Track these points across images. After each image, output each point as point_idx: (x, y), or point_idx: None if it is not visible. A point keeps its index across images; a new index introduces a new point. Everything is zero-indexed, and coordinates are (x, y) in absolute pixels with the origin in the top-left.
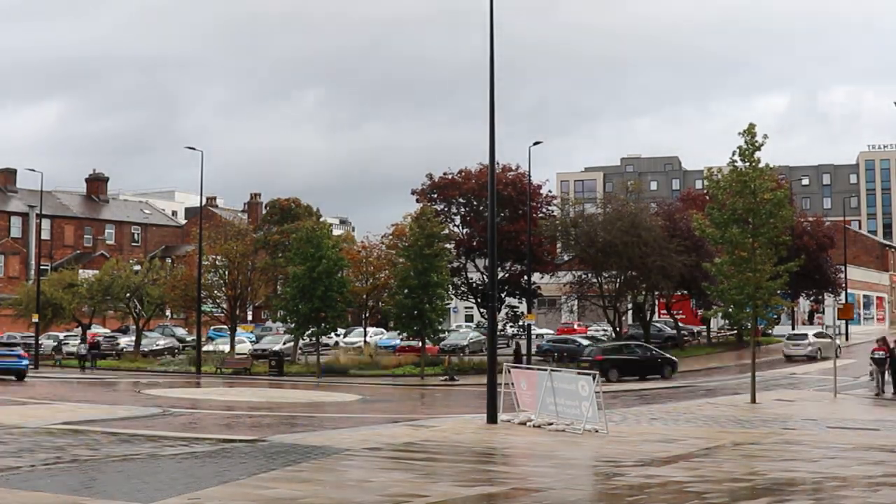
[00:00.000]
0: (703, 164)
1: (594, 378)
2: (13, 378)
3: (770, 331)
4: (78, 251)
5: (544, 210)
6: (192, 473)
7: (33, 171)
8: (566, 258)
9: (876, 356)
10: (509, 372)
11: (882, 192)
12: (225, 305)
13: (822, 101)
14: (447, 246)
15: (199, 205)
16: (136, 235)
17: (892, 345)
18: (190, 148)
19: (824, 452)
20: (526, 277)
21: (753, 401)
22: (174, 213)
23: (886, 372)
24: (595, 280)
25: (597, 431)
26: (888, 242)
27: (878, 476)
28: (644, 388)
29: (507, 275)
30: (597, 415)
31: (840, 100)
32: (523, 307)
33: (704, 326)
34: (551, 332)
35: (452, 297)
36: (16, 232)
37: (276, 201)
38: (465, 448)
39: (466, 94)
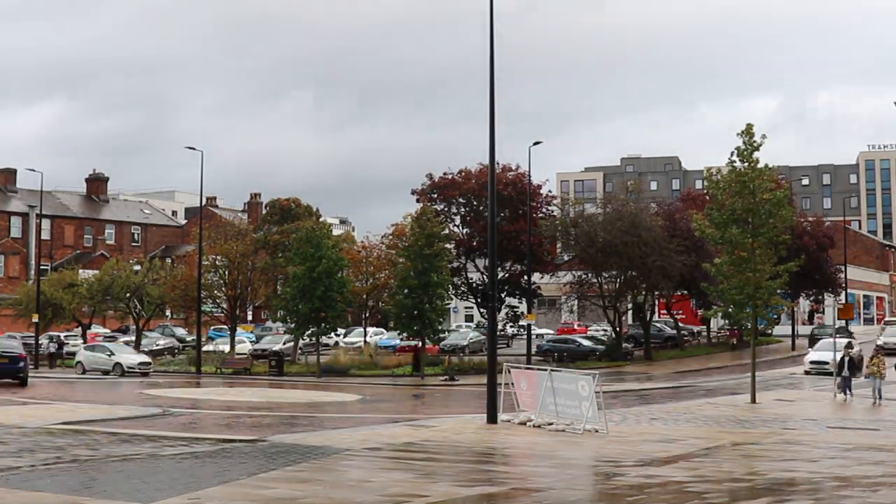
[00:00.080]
0: (703, 164)
1: (594, 378)
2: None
3: (770, 331)
4: (78, 251)
5: (544, 210)
6: (192, 473)
7: (33, 171)
8: (566, 258)
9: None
10: (509, 372)
11: (882, 192)
12: (225, 305)
13: (811, 103)
14: (447, 246)
15: (199, 205)
16: (136, 235)
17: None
18: (190, 148)
19: (824, 452)
20: (526, 277)
21: (753, 401)
22: (174, 213)
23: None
24: (595, 280)
25: (597, 431)
26: (888, 242)
27: (877, 476)
28: (644, 388)
29: (507, 275)
30: (597, 415)
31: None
32: (523, 307)
33: (704, 326)
34: (551, 332)
35: (452, 297)
36: (16, 232)
37: (276, 201)
38: (465, 448)
39: (467, 94)
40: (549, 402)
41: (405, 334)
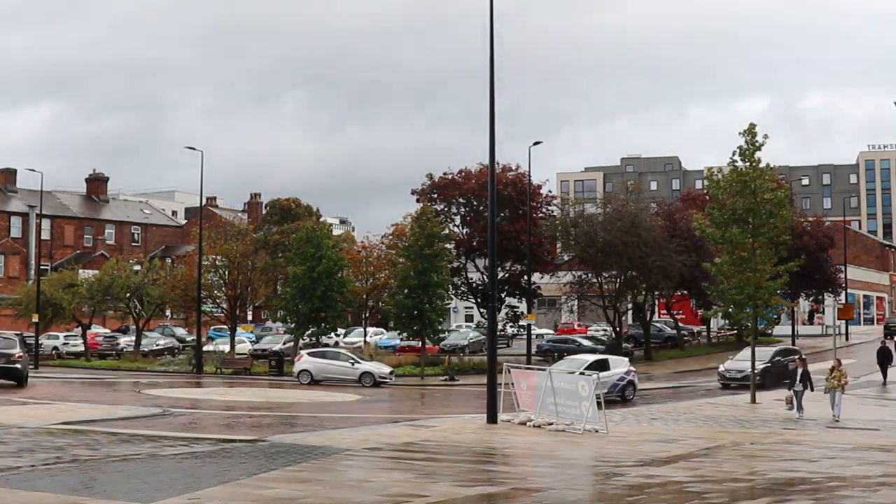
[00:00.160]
0: (702, 165)
1: (594, 378)
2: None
3: (770, 331)
4: (78, 251)
5: (544, 210)
6: (192, 473)
7: (33, 171)
8: (566, 258)
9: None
10: (509, 372)
11: (882, 192)
12: (225, 305)
13: (811, 103)
14: (447, 246)
15: (199, 205)
16: (136, 235)
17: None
18: (190, 148)
19: (824, 452)
20: (526, 277)
21: (753, 401)
22: (174, 213)
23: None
24: (595, 280)
25: (597, 431)
26: (888, 242)
27: (877, 476)
28: (644, 389)
29: (507, 275)
30: (597, 415)
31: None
32: (523, 307)
33: (704, 326)
34: (551, 332)
35: (452, 297)
36: (16, 232)
37: (276, 201)
38: (465, 448)
39: (467, 94)
40: (549, 402)
41: (405, 334)
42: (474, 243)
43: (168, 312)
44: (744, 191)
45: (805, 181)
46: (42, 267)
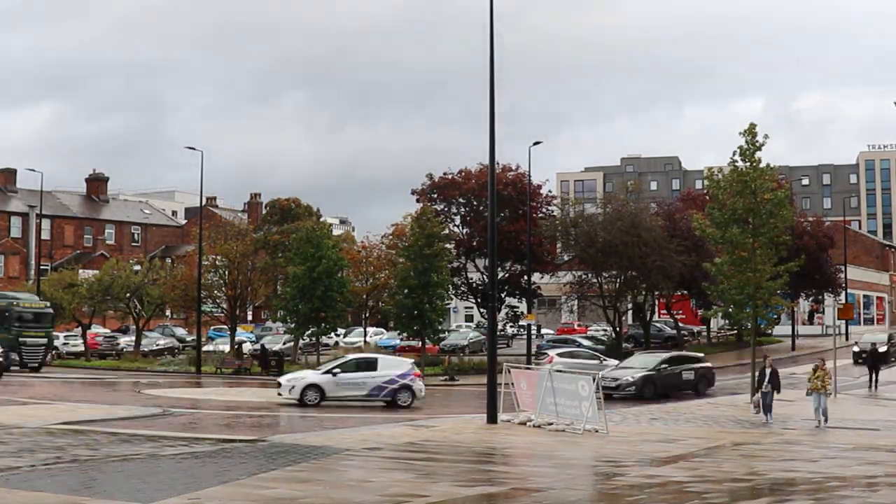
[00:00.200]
0: (702, 165)
1: (594, 378)
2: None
3: (770, 331)
4: (78, 251)
5: (544, 210)
6: (192, 473)
7: (33, 171)
8: (566, 258)
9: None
10: (509, 372)
11: (882, 192)
12: (225, 305)
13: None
14: (447, 246)
15: (199, 205)
16: (136, 235)
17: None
18: (190, 148)
19: (824, 452)
20: (526, 277)
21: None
22: (174, 213)
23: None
24: (595, 280)
25: (597, 431)
26: (888, 242)
27: (878, 476)
28: None
29: (507, 275)
30: (597, 415)
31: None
32: (523, 307)
33: (704, 326)
34: (551, 332)
35: (452, 297)
36: (16, 232)
37: (276, 201)
38: (465, 448)
39: (467, 94)
40: (549, 402)
41: (405, 334)
42: (474, 243)
43: (168, 312)
44: (744, 191)
45: (805, 181)
46: (42, 267)
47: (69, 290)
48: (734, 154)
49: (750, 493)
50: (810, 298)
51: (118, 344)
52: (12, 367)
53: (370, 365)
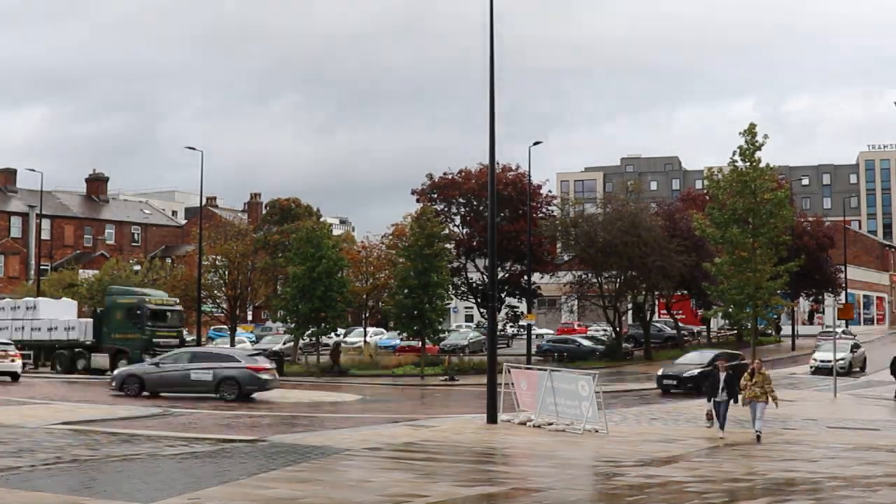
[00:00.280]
0: (702, 165)
1: (594, 378)
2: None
3: (770, 331)
4: (78, 251)
5: (544, 210)
6: (192, 473)
7: (33, 171)
8: (566, 258)
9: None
10: (509, 372)
11: (882, 192)
12: (225, 305)
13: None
14: (447, 246)
15: (199, 205)
16: (136, 235)
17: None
18: (190, 148)
19: (824, 452)
20: (526, 277)
21: None
22: (174, 213)
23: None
24: (595, 280)
25: (597, 431)
26: (888, 242)
27: (878, 476)
28: (644, 388)
29: (507, 275)
30: (597, 415)
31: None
32: (523, 307)
33: (704, 326)
34: (551, 332)
35: (452, 297)
36: (16, 232)
37: (276, 201)
38: (465, 448)
39: (467, 94)
40: (549, 402)
41: (405, 334)
42: (474, 243)
43: None
44: (744, 191)
45: (805, 181)
46: (42, 267)
47: (69, 290)
48: (734, 154)
49: (750, 493)
50: (810, 298)
51: None
52: None
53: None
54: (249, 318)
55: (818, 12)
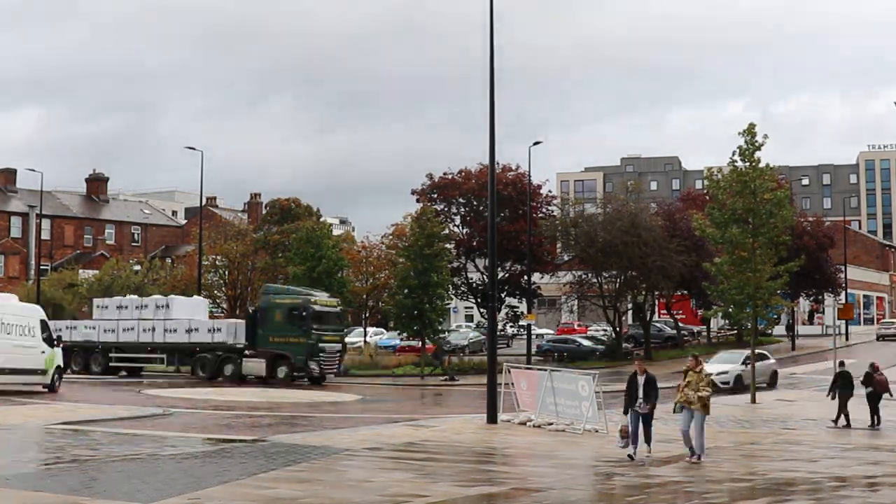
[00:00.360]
0: (702, 164)
1: (594, 378)
2: None
3: (770, 331)
4: (78, 251)
5: (544, 210)
6: (192, 473)
7: (33, 171)
8: (566, 258)
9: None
10: (509, 372)
11: (882, 192)
12: (225, 305)
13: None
14: (447, 246)
15: (199, 205)
16: (136, 235)
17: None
18: (190, 148)
19: (824, 452)
20: (526, 277)
21: (753, 401)
22: (174, 213)
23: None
24: (595, 280)
25: (597, 431)
26: (888, 242)
27: (878, 476)
28: None
29: (507, 275)
30: (597, 415)
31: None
32: (523, 307)
33: (704, 326)
34: (551, 332)
35: (452, 297)
36: (16, 232)
37: (276, 201)
38: (465, 448)
39: (467, 94)
40: (549, 402)
41: (405, 334)
42: (474, 243)
43: None
44: (744, 191)
45: (805, 181)
46: (42, 267)
47: (69, 290)
48: (734, 154)
49: (750, 493)
50: (810, 298)
51: None
52: (298, 379)
53: None
54: None
55: (818, 12)
